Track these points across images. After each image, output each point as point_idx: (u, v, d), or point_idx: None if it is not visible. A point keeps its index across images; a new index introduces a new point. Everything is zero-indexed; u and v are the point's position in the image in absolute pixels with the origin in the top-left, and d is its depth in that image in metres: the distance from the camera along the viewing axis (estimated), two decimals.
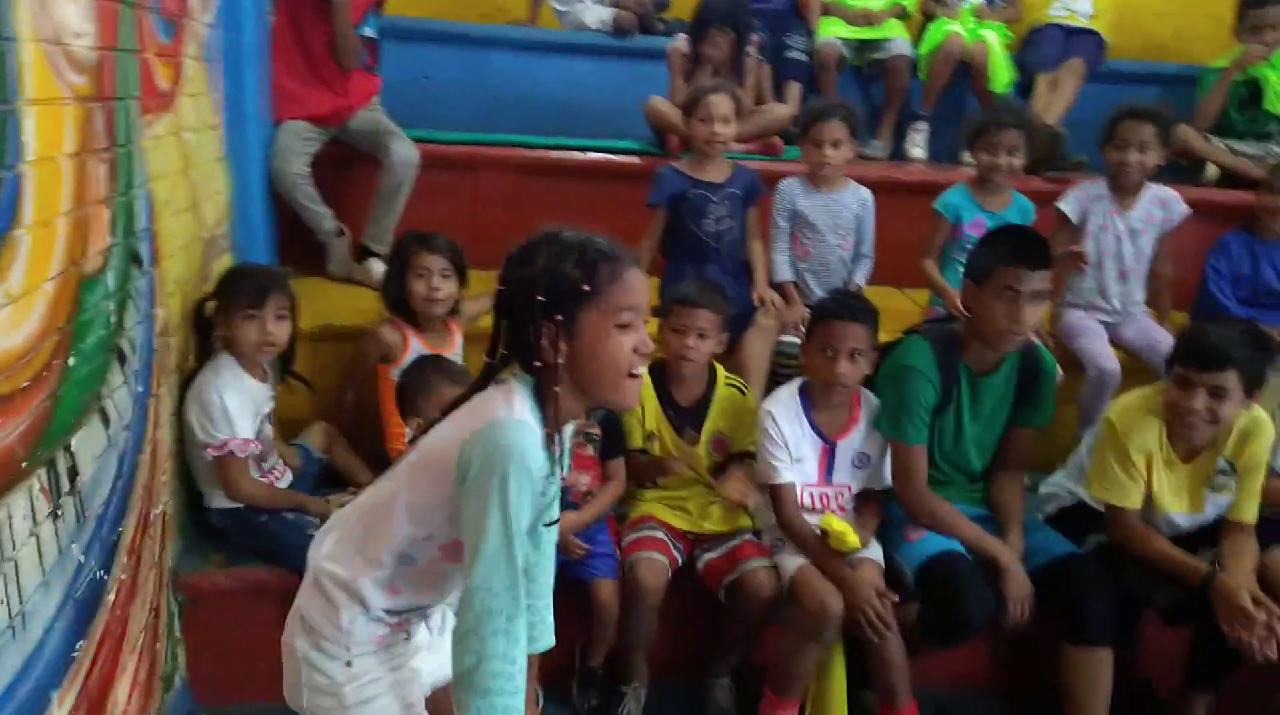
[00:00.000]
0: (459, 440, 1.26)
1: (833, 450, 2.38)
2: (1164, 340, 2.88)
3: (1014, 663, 2.58)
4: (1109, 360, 2.92)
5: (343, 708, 1.33)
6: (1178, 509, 2.32)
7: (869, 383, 2.40)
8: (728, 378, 2.53)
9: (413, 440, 1.40)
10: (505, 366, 1.36)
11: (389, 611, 1.36)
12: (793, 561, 2.27)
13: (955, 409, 2.37)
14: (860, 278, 3.06)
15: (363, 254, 3.27)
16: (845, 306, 2.35)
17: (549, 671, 2.40)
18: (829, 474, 2.38)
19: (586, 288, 1.28)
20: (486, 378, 1.36)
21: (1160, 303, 3.16)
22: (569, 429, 1.47)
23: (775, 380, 2.77)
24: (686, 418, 2.47)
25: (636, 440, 2.47)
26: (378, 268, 3.18)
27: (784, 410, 2.35)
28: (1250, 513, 2.27)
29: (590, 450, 2.42)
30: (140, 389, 1.95)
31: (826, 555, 2.23)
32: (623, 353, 1.31)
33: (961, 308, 2.42)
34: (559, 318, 1.28)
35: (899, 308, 3.27)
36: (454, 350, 2.68)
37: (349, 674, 1.33)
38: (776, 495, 2.32)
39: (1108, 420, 2.34)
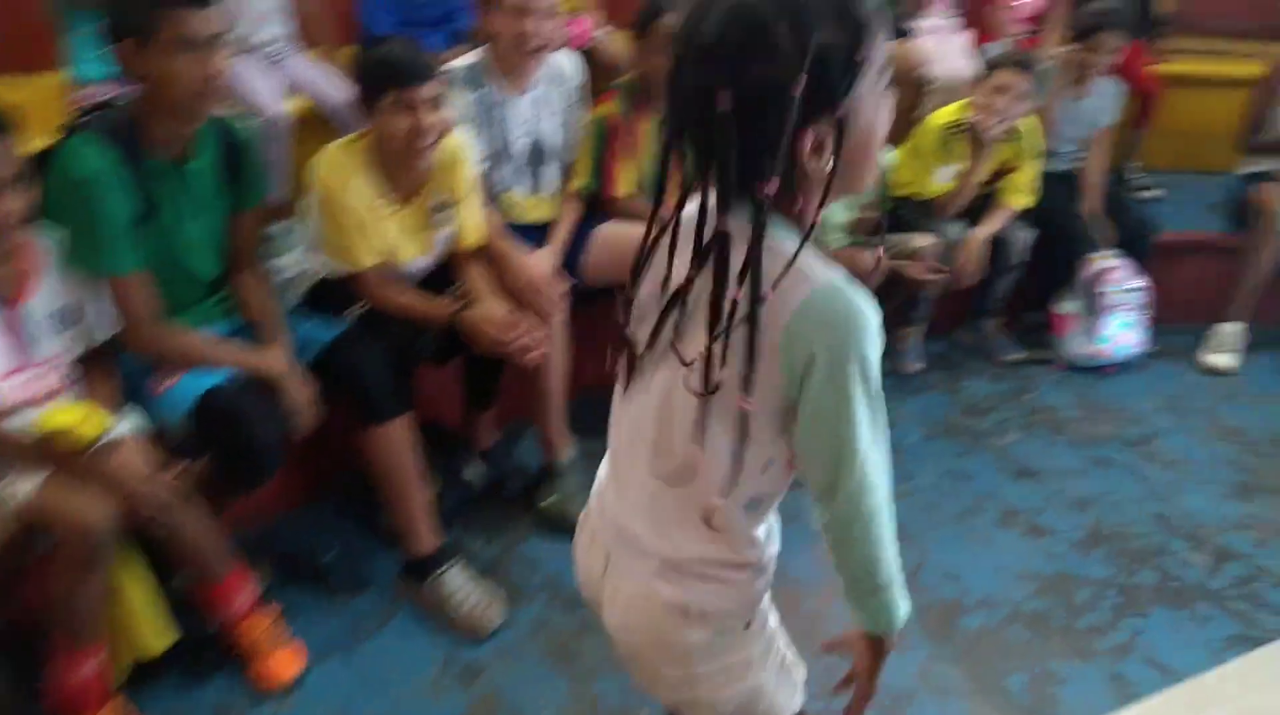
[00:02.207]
0: (771, 339, 0.97)
1: (20, 318, 1.74)
2: (331, 83, 2.77)
3: (316, 463, 2.41)
4: (278, 102, 2.65)
5: (750, 664, 1.20)
6: (412, 254, 2.28)
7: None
8: None
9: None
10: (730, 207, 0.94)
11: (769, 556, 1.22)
12: (23, 486, 1.68)
13: (162, 213, 1.91)
14: None
15: None
16: None
17: None
18: (26, 350, 1.75)
19: (860, 57, 0.93)
20: (758, 240, 0.93)
21: (319, 38, 2.94)
22: None
23: None
24: None
25: None
26: None
27: None
28: (473, 237, 2.33)
29: None
30: None
31: (63, 459, 1.70)
32: (886, 123, 1.01)
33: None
34: (836, 108, 0.93)
35: (27, 99, 2.34)
36: None
37: (749, 632, 1.19)
38: None
39: (318, 180, 2.15)
